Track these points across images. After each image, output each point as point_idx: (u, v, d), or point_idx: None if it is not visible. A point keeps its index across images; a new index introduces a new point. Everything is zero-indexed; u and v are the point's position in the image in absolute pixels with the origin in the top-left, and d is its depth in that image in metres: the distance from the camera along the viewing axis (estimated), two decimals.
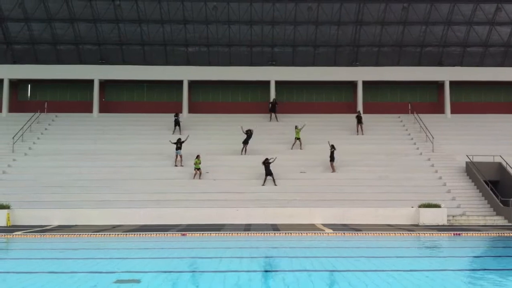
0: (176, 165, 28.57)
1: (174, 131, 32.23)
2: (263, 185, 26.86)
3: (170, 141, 29.06)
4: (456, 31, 35.50)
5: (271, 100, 34.46)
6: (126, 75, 35.32)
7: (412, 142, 32.04)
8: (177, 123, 32.40)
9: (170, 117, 33.17)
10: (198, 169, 27.32)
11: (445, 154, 30.30)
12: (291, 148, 30.55)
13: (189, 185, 26.89)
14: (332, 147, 28.20)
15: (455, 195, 26.26)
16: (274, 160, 27.09)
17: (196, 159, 27.37)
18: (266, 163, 26.90)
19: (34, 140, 31.57)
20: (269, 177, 26.85)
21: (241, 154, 29.75)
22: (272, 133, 32.35)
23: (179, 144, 28.56)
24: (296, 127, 30.67)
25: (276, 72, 35.41)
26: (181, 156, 28.50)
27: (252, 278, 10.32)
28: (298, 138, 30.53)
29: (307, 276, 10.45)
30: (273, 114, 34.14)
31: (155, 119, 34.06)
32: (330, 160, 28.17)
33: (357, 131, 32.71)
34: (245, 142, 29.74)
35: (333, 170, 28.19)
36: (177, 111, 33.56)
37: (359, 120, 32.67)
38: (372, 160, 29.33)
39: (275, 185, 26.81)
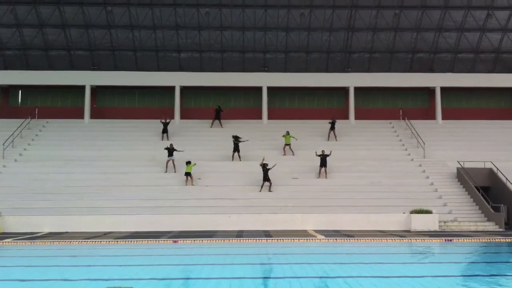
0: (166, 171, 28.42)
1: (162, 138, 32.07)
2: (260, 191, 26.78)
3: (166, 147, 28.86)
4: (447, 37, 35.73)
5: (216, 106, 34.33)
6: (118, 81, 35.24)
7: (403, 148, 32.15)
8: (165, 130, 32.11)
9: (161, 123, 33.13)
10: (189, 174, 27.20)
11: (436, 160, 30.42)
12: (283, 154, 30.54)
13: (181, 192, 26.81)
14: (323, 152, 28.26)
15: (447, 201, 26.35)
16: (273, 167, 27.00)
17: (187, 165, 27.27)
18: (264, 167, 26.81)
19: (24, 146, 31.38)
20: (266, 183, 26.79)
21: (232, 160, 29.67)
22: (265, 139, 32.34)
23: (171, 150, 28.47)
24: (287, 133, 30.65)
25: (268, 78, 35.46)
26: (173, 161, 28.40)
27: (244, 285, 10.28)
28: (288, 144, 30.52)
29: (298, 283, 10.43)
30: (216, 121, 33.98)
31: (147, 125, 33.94)
32: (325, 166, 28.16)
33: (328, 137, 32.64)
34: (236, 150, 29.61)
35: (319, 176, 28.26)
36: (166, 117, 32.89)
37: (333, 126, 32.66)
38: (364, 166, 29.38)
39: (270, 191, 26.75)
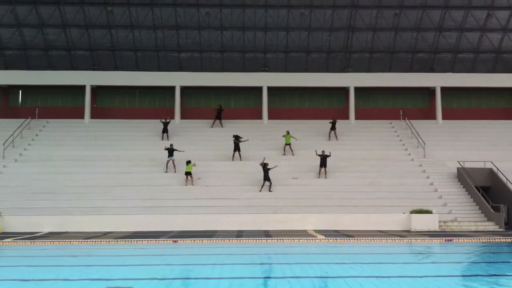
0: (167, 171, 28.41)
1: (162, 138, 32.06)
2: (260, 191, 26.77)
3: (166, 147, 28.91)
4: (448, 37, 35.73)
5: (217, 106, 34.43)
6: (118, 81, 35.25)
7: (403, 148, 32.14)
8: (165, 129, 32.11)
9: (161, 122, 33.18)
10: (189, 174, 27.21)
11: (436, 160, 30.42)
12: (283, 154, 30.53)
13: (181, 192, 26.81)
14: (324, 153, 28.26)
15: (447, 201, 26.34)
16: (274, 167, 27.00)
17: (187, 165, 27.28)
18: (265, 167, 26.81)
19: (25, 146, 31.39)
20: (266, 183, 26.79)
21: (233, 160, 29.68)
22: (265, 139, 32.34)
23: (171, 150, 28.46)
24: (287, 133, 30.65)
25: (269, 78, 35.46)
26: (173, 162, 28.39)
27: (244, 285, 10.28)
28: (288, 144, 30.54)
29: (298, 283, 10.43)
30: (217, 121, 34.03)
31: (147, 125, 33.96)
32: (325, 167, 28.15)
33: (329, 137, 32.65)
34: (236, 149, 29.65)
35: (319, 176, 28.27)
36: (167, 116, 33.15)
37: (333, 126, 32.70)
38: (364, 166, 29.38)
39: (270, 191, 26.73)
